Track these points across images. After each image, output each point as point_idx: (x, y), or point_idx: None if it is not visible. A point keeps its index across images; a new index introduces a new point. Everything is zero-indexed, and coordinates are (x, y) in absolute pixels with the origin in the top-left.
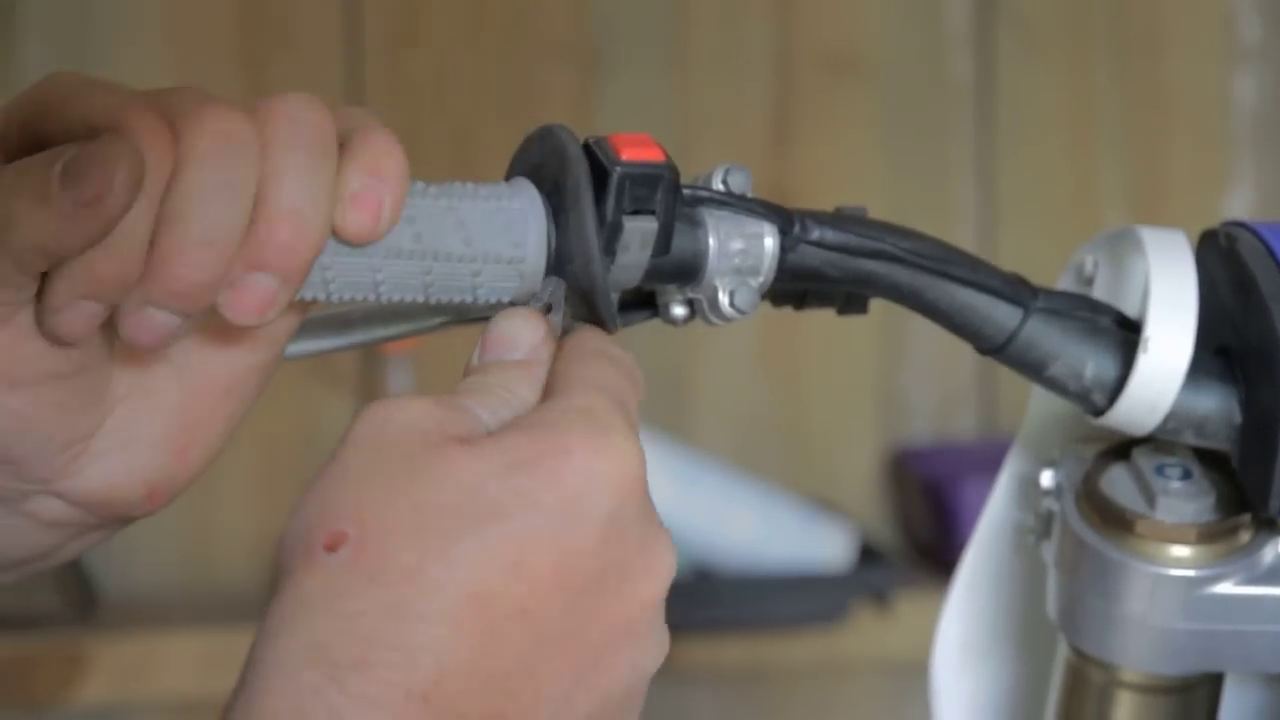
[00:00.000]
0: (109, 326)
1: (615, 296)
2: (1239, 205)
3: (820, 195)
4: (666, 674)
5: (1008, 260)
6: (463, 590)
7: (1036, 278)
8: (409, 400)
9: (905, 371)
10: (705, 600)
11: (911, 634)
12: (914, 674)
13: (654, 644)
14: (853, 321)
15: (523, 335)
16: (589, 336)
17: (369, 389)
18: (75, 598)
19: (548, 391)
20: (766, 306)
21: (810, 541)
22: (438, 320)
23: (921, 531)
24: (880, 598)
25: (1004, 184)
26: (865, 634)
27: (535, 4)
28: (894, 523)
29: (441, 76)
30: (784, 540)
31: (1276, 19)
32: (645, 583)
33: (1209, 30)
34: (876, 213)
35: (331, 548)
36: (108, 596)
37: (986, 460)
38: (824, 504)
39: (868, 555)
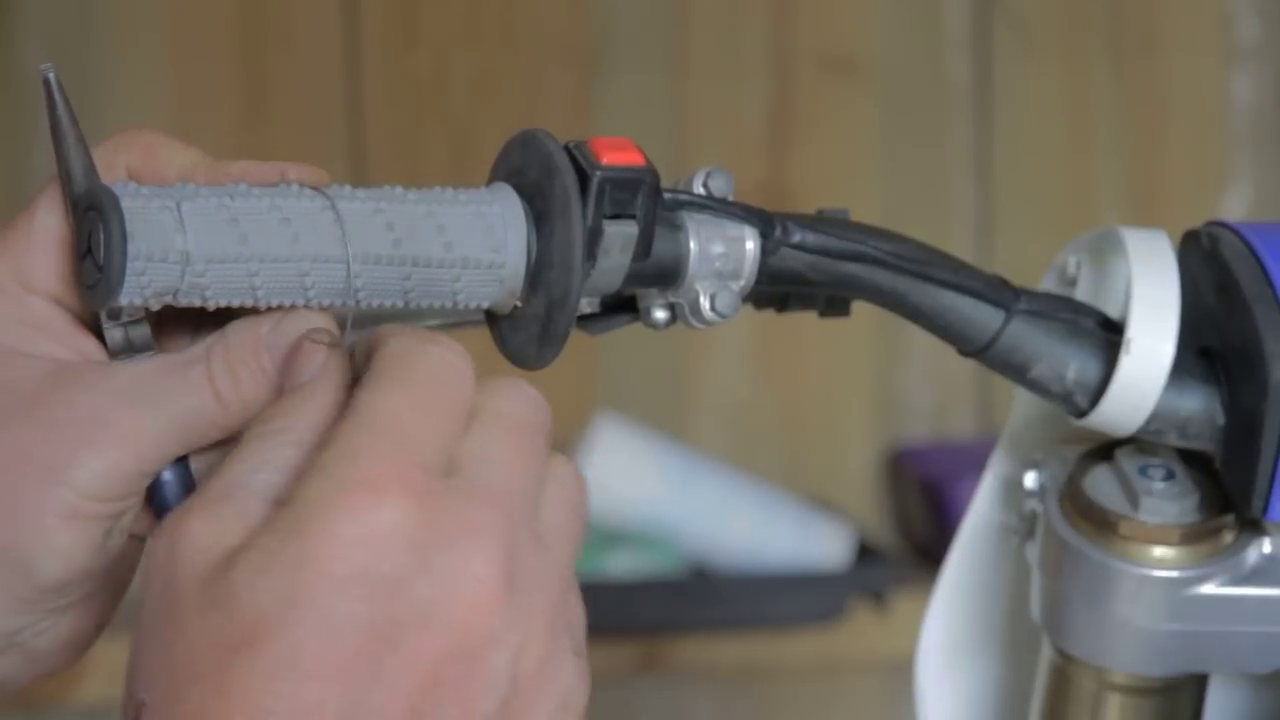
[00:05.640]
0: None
1: (595, 301)
2: (1236, 205)
3: (818, 196)
4: (665, 673)
5: (1005, 260)
6: (248, 717)
7: (1034, 278)
8: (179, 523)
9: (903, 371)
10: (703, 599)
11: (909, 633)
12: (911, 673)
13: (487, 689)
14: (850, 321)
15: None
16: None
17: None
18: None
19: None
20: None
21: (808, 540)
22: (422, 325)
23: (919, 530)
24: (878, 597)
25: (1002, 184)
26: (863, 633)
27: (535, 4)
28: (892, 522)
29: (441, 76)
30: (782, 539)
31: (1274, 19)
32: (431, 633)
33: (1207, 30)
34: (874, 214)
35: (136, 718)
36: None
37: (984, 460)
38: (822, 503)
39: (865, 554)
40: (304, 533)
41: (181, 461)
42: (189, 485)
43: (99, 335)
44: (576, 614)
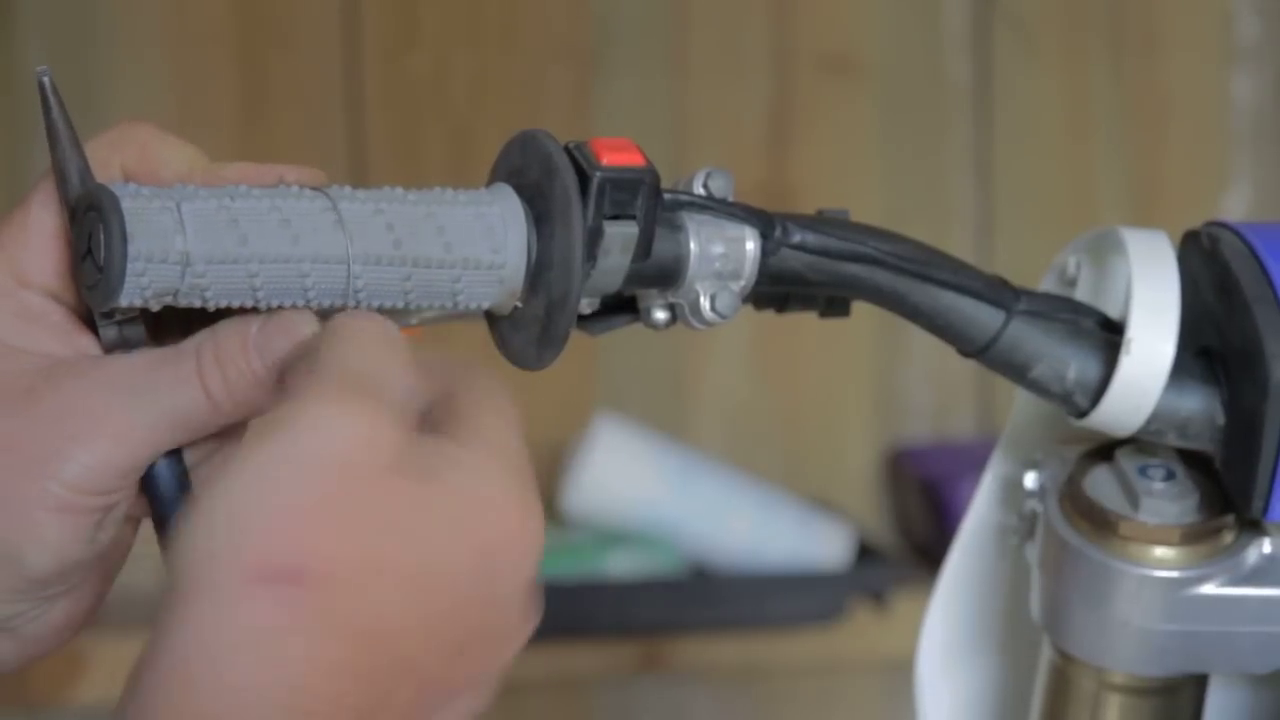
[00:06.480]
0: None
1: (595, 302)
2: (1236, 205)
3: (818, 196)
4: (665, 673)
5: (1005, 261)
6: (400, 653)
7: (1034, 278)
8: (367, 418)
9: (903, 371)
10: (703, 599)
11: (909, 633)
12: (911, 673)
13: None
14: (850, 321)
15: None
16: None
17: None
18: None
19: (455, 415)
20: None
21: (808, 541)
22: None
23: (919, 530)
24: (878, 597)
25: (1002, 185)
26: (863, 633)
27: (535, 4)
28: (892, 522)
29: (441, 76)
30: (782, 539)
31: (1274, 19)
32: (508, 646)
33: (1207, 30)
34: (874, 214)
35: (292, 579)
36: (107, 596)
37: (984, 460)
38: (822, 503)
39: (865, 554)
40: (499, 510)
41: (174, 453)
42: (182, 476)
43: (95, 331)
44: None
